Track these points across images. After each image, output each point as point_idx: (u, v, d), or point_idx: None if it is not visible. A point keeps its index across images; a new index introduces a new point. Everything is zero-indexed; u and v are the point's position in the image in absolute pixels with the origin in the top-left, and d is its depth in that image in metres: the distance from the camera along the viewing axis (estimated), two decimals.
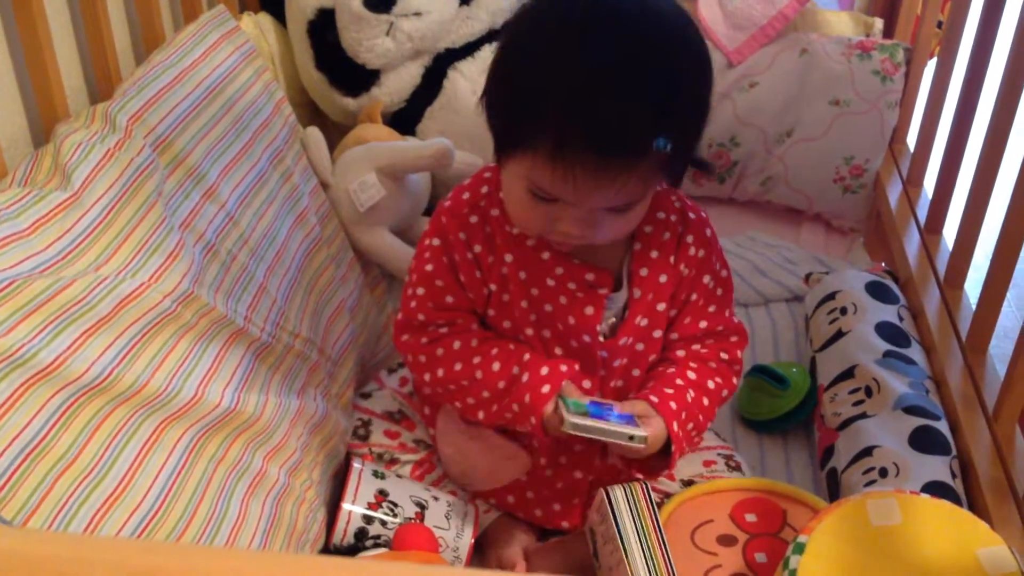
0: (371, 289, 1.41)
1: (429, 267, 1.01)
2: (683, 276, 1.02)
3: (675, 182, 0.97)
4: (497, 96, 0.92)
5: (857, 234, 1.67)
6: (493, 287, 1.01)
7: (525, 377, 0.97)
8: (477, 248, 1.00)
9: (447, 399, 1.04)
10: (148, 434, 0.85)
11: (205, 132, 1.13)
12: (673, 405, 0.98)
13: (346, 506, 1.03)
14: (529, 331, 1.01)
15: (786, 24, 1.61)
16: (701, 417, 1.02)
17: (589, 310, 1.00)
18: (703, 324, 1.05)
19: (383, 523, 1.03)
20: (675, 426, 0.97)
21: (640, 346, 1.04)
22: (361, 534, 1.03)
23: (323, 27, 1.49)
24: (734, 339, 1.07)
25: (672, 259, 1.02)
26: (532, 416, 0.96)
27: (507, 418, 0.99)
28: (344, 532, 1.03)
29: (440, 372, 1.01)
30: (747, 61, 1.61)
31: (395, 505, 1.04)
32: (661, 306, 1.02)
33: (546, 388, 0.96)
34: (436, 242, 1.01)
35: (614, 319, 1.02)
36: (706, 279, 1.04)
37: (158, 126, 1.06)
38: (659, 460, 1.00)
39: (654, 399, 0.99)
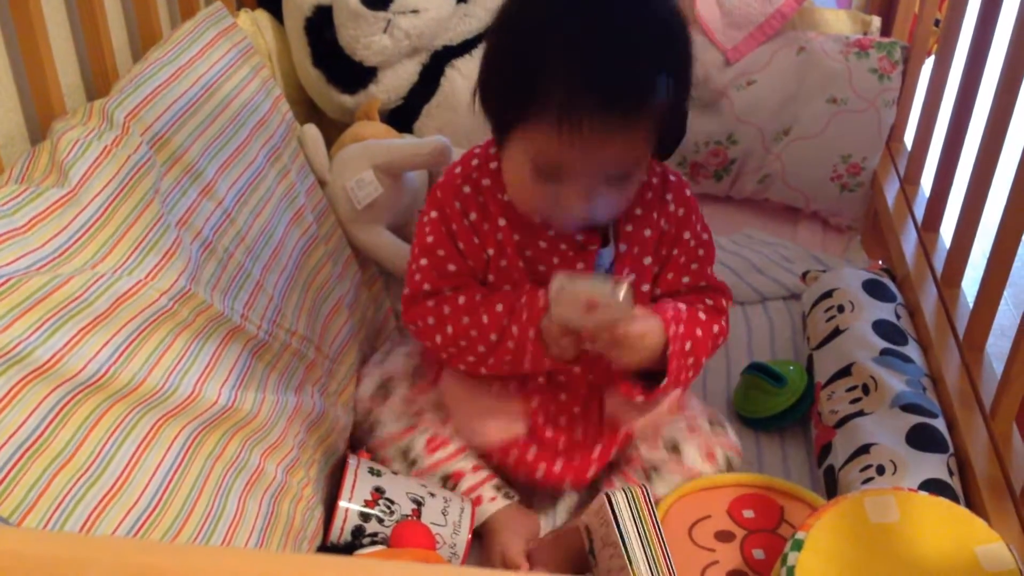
0: (368, 286, 1.41)
1: (430, 239, 1.06)
2: (664, 231, 1.06)
3: (671, 146, 1.00)
4: (495, 77, 0.96)
5: (854, 232, 1.67)
6: (491, 251, 1.05)
7: (524, 300, 1.00)
8: (473, 216, 1.04)
9: (458, 360, 1.07)
10: (145, 432, 0.84)
11: (202, 129, 1.13)
12: (670, 313, 1.00)
13: (343, 504, 1.02)
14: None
15: (784, 22, 1.61)
16: (697, 343, 1.02)
17: (580, 265, 1.04)
18: (686, 279, 1.08)
19: (380, 520, 1.03)
20: (672, 329, 0.98)
21: None
22: (358, 532, 1.03)
23: (320, 24, 1.49)
24: (717, 293, 1.10)
25: (655, 215, 1.06)
26: (530, 329, 0.98)
27: (511, 350, 1.01)
28: (341, 530, 1.03)
29: (449, 329, 1.04)
30: (745, 59, 1.61)
31: (391, 502, 1.04)
32: (647, 260, 1.06)
33: (542, 302, 0.98)
34: (434, 214, 1.06)
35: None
36: (686, 235, 1.08)
37: (155, 123, 1.06)
38: (653, 380, 1.01)
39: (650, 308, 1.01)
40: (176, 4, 1.34)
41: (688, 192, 1.09)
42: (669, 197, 1.07)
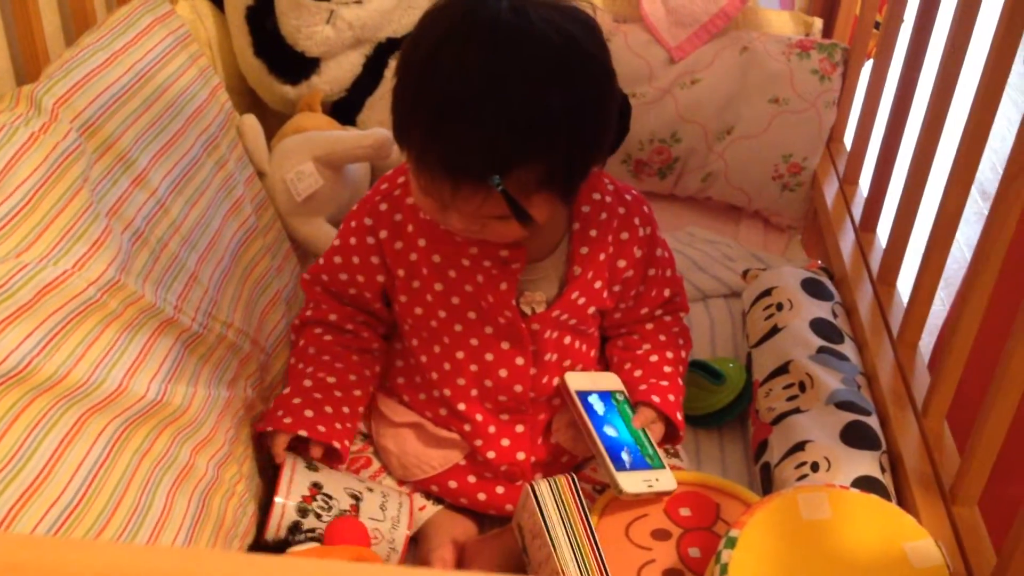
0: None
1: (336, 242, 1.08)
2: (636, 258, 1.07)
3: (566, 199, 0.97)
4: (393, 91, 0.94)
5: (794, 231, 1.69)
6: (401, 273, 1.05)
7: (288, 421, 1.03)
8: (383, 234, 1.04)
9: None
10: (69, 426, 0.82)
11: (135, 117, 1.10)
12: (672, 397, 1.07)
13: (279, 500, 1.01)
14: (442, 313, 1.05)
15: (728, 22, 1.62)
16: (681, 387, 1.11)
17: (503, 286, 1.02)
18: (667, 292, 1.12)
19: (317, 516, 1.01)
20: (677, 416, 1.06)
21: (573, 321, 1.07)
22: (295, 528, 1.01)
23: (262, 13, 1.47)
24: (682, 298, 1.16)
25: (610, 237, 1.05)
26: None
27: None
28: (278, 526, 1.01)
29: (299, 365, 1.10)
30: (689, 58, 1.62)
31: (329, 497, 1.02)
32: (598, 284, 1.06)
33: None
34: (350, 224, 1.08)
35: (542, 295, 1.04)
36: (658, 252, 1.10)
37: (85, 110, 1.03)
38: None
39: (656, 399, 1.06)
40: None
41: (647, 208, 1.09)
42: (637, 221, 1.07)
